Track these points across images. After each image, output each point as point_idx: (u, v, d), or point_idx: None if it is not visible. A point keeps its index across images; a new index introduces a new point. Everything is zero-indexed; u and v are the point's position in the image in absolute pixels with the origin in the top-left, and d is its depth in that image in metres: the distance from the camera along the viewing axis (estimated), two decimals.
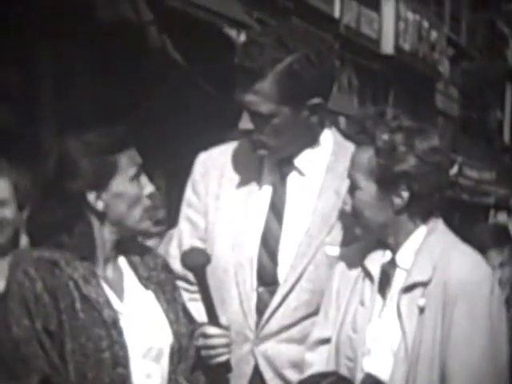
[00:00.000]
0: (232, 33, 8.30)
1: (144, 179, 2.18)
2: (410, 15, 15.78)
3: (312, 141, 2.37)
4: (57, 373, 2.06)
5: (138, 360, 2.12)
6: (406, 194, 2.18)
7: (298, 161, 2.37)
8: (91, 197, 2.13)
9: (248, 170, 2.40)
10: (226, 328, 2.22)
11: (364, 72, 14.96)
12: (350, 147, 2.31)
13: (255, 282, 2.34)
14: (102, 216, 2.15)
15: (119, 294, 2.16)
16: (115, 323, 2.10)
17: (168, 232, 3.53)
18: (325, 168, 2.38)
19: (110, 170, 2.13)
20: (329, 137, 2.41)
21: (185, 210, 2.45)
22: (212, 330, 2.21)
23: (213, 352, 2.22)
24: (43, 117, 7.30)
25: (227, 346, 2.21)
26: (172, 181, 9.28)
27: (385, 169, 2.16)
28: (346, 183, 2.27)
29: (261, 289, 2.34)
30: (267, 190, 2.39)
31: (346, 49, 14.07)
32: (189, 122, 8.89)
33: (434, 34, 17.16)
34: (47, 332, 2.05)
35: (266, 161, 2.39)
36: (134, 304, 2.17)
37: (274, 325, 2.33)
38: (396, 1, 15.23)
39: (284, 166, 2.38)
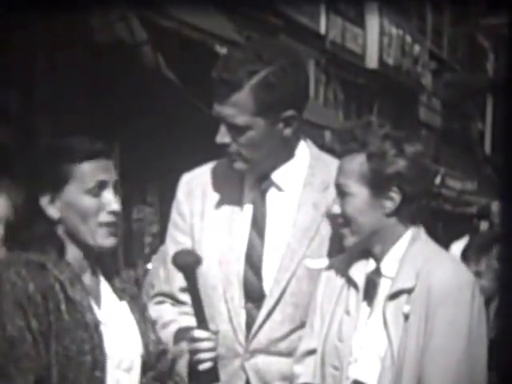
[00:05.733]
0: (223, 51, 8.44)
1: (109, 195, 2.14)
2: (394, 30, 15.96)
3: (288, 154, 2.40)
4: (47, 374, 2.05)
5: (111, 369, 2.12)
6: (397, 197, 2.21)
7: (276, 176, 2.40)
8: (44, 201, 2.13)
9: (229, 188, 2.43)
10: (214, 333, 2.25)
11: (349, 86, 15.12)
12: (327, 159, 2.38)
13: (243, 299, 2.38)
14: (55, 224, 2.13)
15: (97, 300, 2.16)
16: (97, 327, 2.10)
17: (160, 248, 3.69)
18: (302, 182, 2.41)
19: (63, 176, 2.11)
20: (305, 150, 2.43)
21: (171, 232, 2.49)
22: (199, 333, 2.23)
23: (199, 356, 2.24)
24: (41, 135, 7.45)
25: (212, 350, 2.23)
26: (165, 196, 9.40)
27: (377, 172, 2.20)
28: (324, 196, 2.33)
29: (249, 305, 2.38)
30: (248, 208, 2.42)
31: (332, 63, 14.33)
32: (181, 138, 9.05)
33: (416, 48, 17.37)
34: (40, 332, 2.05)
35: (246, 178, 2.42)
36: (110, 312, 2.17)
37: (262, 339, 2.37)
38: (380, 16, 15.46)
39: (263, 182, 2.41)
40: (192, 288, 2.25)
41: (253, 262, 2.39)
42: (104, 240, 2.14)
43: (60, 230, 2.14)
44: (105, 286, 2.21)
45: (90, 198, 2.13)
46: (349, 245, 2.28)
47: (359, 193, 2.22)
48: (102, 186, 2.13)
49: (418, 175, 2.21)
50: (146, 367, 2.20)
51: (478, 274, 3.99)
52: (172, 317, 2.41)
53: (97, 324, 2.11)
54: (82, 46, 7.65)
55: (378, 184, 2.21)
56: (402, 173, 2.20)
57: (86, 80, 7.88)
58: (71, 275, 2.12)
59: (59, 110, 7.52)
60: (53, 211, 2.13)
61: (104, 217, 2.13)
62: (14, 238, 2.16)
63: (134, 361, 2.18)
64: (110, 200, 2.14)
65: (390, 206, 2.22)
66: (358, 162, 2.22)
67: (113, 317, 2.17)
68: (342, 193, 2.25)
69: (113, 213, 2.14)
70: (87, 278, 2.17)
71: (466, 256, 4.26)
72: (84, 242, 2.14)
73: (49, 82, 7.57)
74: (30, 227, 2.12)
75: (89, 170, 2.12)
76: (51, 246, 2.12)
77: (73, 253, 2.16)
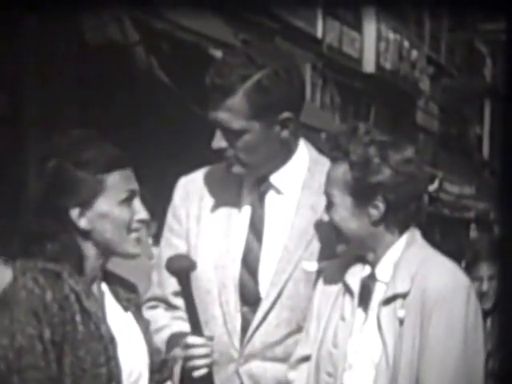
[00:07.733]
0: (218, 54, 8.40)
1: (138, 204, 2.15)
2: (391, 35, 16.03)
3: (287, 157, 2.40)
4: None
5: (123, 381, 2.11)
6: (382, 205, 2.21)
7: (275, 179, 2.40)
8: (74, 213, 2.11)
9: (227, 191, 2.43)
10: (209, 338, 2.22)
11: (346, 90, 15.14)
12: (326, 163, 2.35)
13: (239, 302, 2.36)
14: (85, 234, 2.12)
15: (102, 313, 2.15)
16: (112, 339, 2.09)
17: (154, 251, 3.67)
18: (301, 185, 2.41)
19: (94, 188, 2.10)
20: (304, 153, 2.44)
21: (166, 235, 2.48)
22: (193, 339, 2.20)
23: (193, 362, 2.20)
24: (29, 139, 7.39)
25: (207, 356, 2.20)
26: (158, 201, 9.30)
27: (360, 181, 2.20)
28: (322, 199, 2.30)
29: (244, 308, 2.37)
30: (246, 211, 2.41)
31: (329, 67, 14.31)
32: (175, 141, 9.00)
33: (414, 53, 17.42)
34: (53, 342, 2.02)
35: (245, 181, 2.42)
36: (115, 325, 2.15)
37: (257, 343, 2.35)
38: (377, 21, 15.47)
39: (261, 185, 2.41)
40: (186, 293, 2.22)
41: (249, 265, 2.38)
42: (133, 248, 2.15)
43: (82, 241, 2.12)
44: (109, 298, 2.19)
45: (124, 208, 2.13)
46: (340, 252, 2.27)
47: (343, 202, 2.22)
48: (132, 195, 2.14)
49: (403, 183, 2.20)
50: (150, 376, 2.19)
51: (492, 278, 3.94)
52: (165, 322, 2.38)
53: (112, 336, 2.10)
54: (73, 47, 7.60)
55: (361, 193, 2.21)
56: (385, 182, 2.19)
57: (78, 81, 7.83)
58: (85, 287, 2.11)
59: (49, 112, 7.46)
60: (84, 223, 2.11)
61: (134, 226, 2.14)
62: (35, 248, 2.11)
63: (142, 372, 2.17)
64: (139, 209, 2.15)
65: (375, 214, 2.22)
66: (341, 170, 2.22)
67: (119, 329, 2.15)
68: (329, 201, 2.25)
69: (141, 221, 2.16)
70: (95, 290, 2.16)
71: (468, 262, 4.18)
72: (113, 251, 2.14)
73: (39, 83, 7.52)
74: (54, 239, 2.10)
75: (119, 180, 2.12)
76: (74, 257, 2.10)
77: (91, 263, 2.14)
